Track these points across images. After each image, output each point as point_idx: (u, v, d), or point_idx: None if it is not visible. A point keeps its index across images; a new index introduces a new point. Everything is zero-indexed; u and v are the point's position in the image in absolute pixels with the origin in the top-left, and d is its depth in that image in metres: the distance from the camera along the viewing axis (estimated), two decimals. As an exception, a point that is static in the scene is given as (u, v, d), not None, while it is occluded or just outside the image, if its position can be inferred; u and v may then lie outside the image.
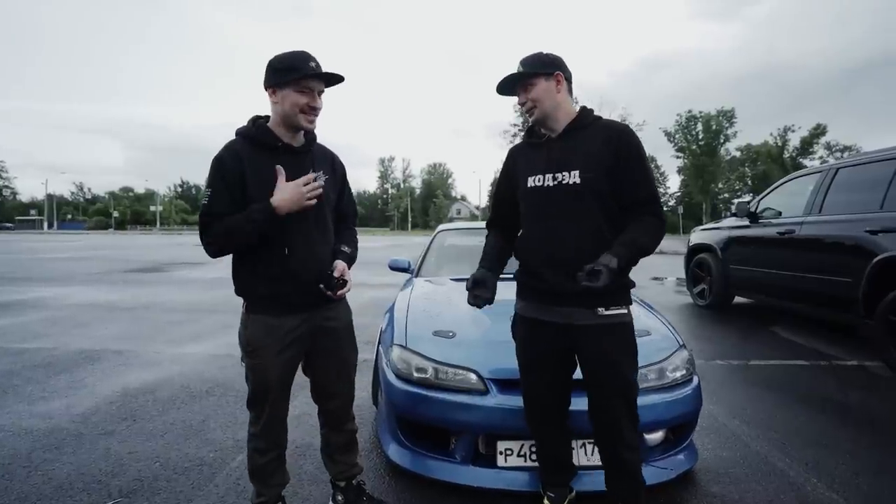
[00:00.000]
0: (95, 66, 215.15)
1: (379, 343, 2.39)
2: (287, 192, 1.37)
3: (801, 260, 4.23)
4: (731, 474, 2.00)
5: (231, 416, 2.56)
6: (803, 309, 4.44)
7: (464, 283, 2.84)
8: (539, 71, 1.49)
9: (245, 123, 1.51)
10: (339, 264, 1.53)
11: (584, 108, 1.56)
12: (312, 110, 1.42)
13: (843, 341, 4.27)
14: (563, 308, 1.48)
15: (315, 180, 1.42)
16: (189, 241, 26.69)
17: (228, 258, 1.50)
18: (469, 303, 1.57)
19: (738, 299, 5.88)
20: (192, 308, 5.74)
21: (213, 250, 1.42)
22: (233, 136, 1.49)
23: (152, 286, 7.72)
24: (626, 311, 1.48)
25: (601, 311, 1.44)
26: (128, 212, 74.12)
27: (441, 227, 4.13)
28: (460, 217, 76.85)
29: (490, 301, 1.57)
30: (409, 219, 73.70)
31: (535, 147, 1.60)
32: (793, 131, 50.82)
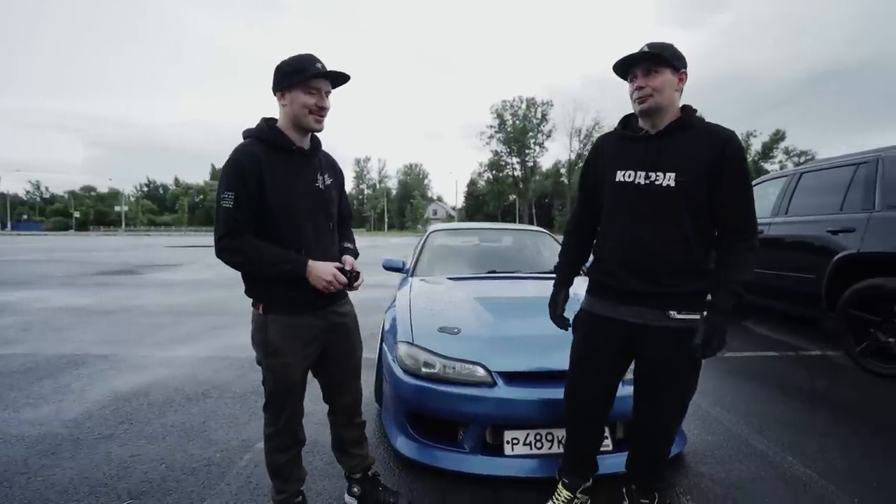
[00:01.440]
0: (52, 59, 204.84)
1: (382, 341, 2.44)
2: (322, 271, 1.43)
3: (769, 258, 4.49)
4: (717, 455, 2.16)
5: (232, 417, 2.56)
6: (772, 304, 4.71)
7: (462, 282, 2.95)
8: (675, 62, 1.38)
9: (255, 125, 1.51)
10: (348, 258, 1.60)
11: (687, 107, 1.45)
12: (321, 110, 1.46)
13: (808, 333, 4.57)
14: (633, 307, 1.44)
15: (348, 276, 1.49)
16: (158, 243, 25.82)
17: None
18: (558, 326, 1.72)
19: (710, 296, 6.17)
20: (176, 311, 5.61)
21: (235, 261, 1.40)
22: (237, 138, 1.49)
23: (128, 289, 7.48)
24: (697, 316, 1.42)
25: (673, 314, 1.40)
26: (90, 212, 70.83)
27: (433, 227, 4.20)
28: (437, 218, 76.97)
29: (567, 320, 1.71)
30: (386, 220, 73.29)
31: (630, 140, 1.49)
32: (755, 136, 53.19)
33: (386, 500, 1.71)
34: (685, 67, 1.42)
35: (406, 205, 75.84)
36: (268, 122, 1.50)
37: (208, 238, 35.78)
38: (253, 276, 1.49)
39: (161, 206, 78.37)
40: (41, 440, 2.29)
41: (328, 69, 1.44)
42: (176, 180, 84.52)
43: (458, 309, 2.41)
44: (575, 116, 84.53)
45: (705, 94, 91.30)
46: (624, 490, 1.69)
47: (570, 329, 1.70)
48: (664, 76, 1.38)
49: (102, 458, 2.12)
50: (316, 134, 1.57)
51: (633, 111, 1.50)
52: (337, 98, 1.59)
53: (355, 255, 1.69)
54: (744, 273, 1.36)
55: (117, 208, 58.57)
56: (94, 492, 1.86)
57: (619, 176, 1.48)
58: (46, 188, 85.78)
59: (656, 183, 1.40)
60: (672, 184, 1.37)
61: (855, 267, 3.55)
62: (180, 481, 1.93)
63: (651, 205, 1.41)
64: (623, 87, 1.52)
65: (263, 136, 1.45)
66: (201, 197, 75.79)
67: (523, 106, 56.77)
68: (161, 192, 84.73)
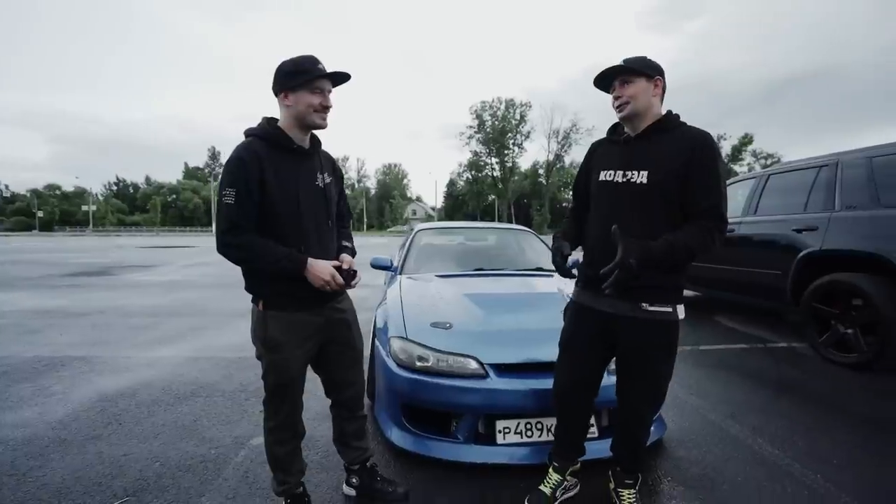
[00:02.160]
0: (12, 51, 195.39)
1: (374, 337, 2.50)
2: (321, 269, 1.47)
3: (739, 256, 4.73)
4: (693, 440, 2.30)
5: (223, 416, 2.57)
6: (741, 299, 4.95)
7: (450, 280, 3.03)
8: (642, 70, 1.50)
9: (257, 124, 1.55)
10: (346, 257, 1.66)
11: (669, 113, 1.57)
12: (325, 109, 1.52)
13: (775, 326, 4.83)
14: (609, 298, 1.53)
15: (345, 276, 1.54)
16: (130, 244, 25.01)
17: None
18: (555, 259, 1.73)
19: (686, 292, 6.43)
20: (154, 312, 5.49)
21: (236, 257, 1.44)
22: (242, 136, 1.52)
23: (102, 290, 7.26)
24: (670, 309, 1.52)
25: (645, 306, 1.51)
26: (56, 211, 67.85)
27: (419, 226, 4.26)
28: (416, 218, 76.84)
29: (572, 270, 1.77)
30: (365, 220, 72.74)
31: (613, 143, 1.65)
32: (725, 139, 55.06)
33: (384, 490, 1.77)
34: (659, 75, 1.54)
35: (385, 205, 75.48)
36: (269, 122, 1.54)
37: (182, 238, 34.92)
38: (252, 273, 1.53)
39: (131, 206, 75.55)
40: (26, 442, 2.25)
41: (328, 70, 1.50)
42: (147, 179, 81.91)
43: (448, 305, 2.48)
44: (553, 118, 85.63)
45: (680, 97, 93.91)
46: (610, 472, 1.79)
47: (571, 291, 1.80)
48: (638, 85, 1.51)
49: (94, 458, 2.10)
50: (316, 133, 1.62)
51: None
52: None
53: (353, 253, 1.74)
54: (693, 238, 1.41)
55: (84, 208, 56.19)
56: (88, 491, 1.85)
57: (602, 175, 1.62)
58: (6, 186, 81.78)
59: (632, 181, 1.53)
60: (645, 181, 1.50)
61: (817, 263, 3.78)
62: (176, 478, 1.95)
63: (627, 200, 1.54)
64: (599, 91, 1.66)
65: (265, 135, 1.49)
66: (174, 196, 73.55)
67: (502, 107, 57.22)
68: (131, 190, 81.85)
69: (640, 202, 1.51)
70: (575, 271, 1.81)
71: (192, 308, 5.68)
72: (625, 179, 1.54)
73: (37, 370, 3.34)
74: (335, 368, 1.71)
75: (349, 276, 1.55)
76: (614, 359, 1.69)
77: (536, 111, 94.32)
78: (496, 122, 57.24)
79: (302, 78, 1.45)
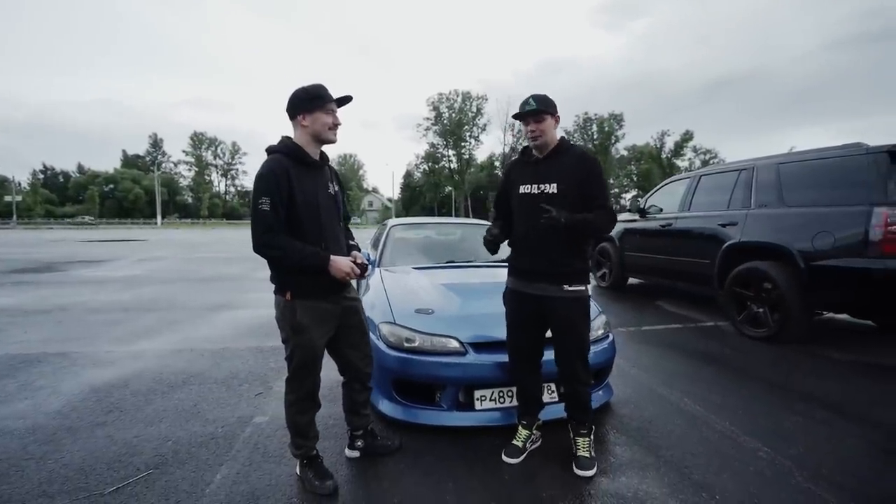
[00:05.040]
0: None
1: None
2: (342, 264, 1.79)
3: (676, 247, 5.36)
4: (633, 401, 2.79)
5: (221, 400, 2.78)
6: (678, 285, 5.61)
7: (426, 271, 3.35)
8: (551, 111, 2.02)
9: (277, 142, 1.84)
10: (358, 254, 1.97)
11: (563, 138, 2.11)
12: (336, 126, 1.85)
13: (704, 308, 5.53)
14: (539, 284, 2.05)
15: (360, 268, 1.86)
16: (68, 237, 23.35)
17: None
18: (486, 238, 2.22)
19: (631, 280, 7.11)
20: (122, 308, 5.44)
21: (272, 255, 1.72)
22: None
23: (55, 287, 6.99)
24: (583, 288, 2.04)
25: (566, 287, 2.00)
26: (-30, 202, 61.44)
27: (391, 221, 4.57)
28: (373, 210, 76.18)
29: (498, 236, 2.20)
30: (322, 211, 70.97)
31: (526, 164, 2.15)
32: (668, 135, 58.56)
33: (384, 444, 2.15)
34: (557, 112, 2.06)
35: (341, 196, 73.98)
36: (287, 140, 1.82)
37: (128, 232, 32.78)
38: (280, 269, 1.80)
39: (62, 196, 69.55)
40: (31, 431, 2.37)
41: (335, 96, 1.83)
42: (80, 167, 75.61)
43: (428, 293, 2.81)
44: (508, 111, 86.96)
45: (627, 93, 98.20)
46: (568, 425, 2.21)
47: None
48: (547, 121, 2.03)
49: (105, 442, 2.27)
50: (323, 149, 1.90)
51: (527, 144, 2.14)
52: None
53: (358, 249, 2.05)
54: (596, 219, 1.94)
55: (7, 198, 51.22)
56: (111, 466, 2.05)
57: (522, 189, 2.11)
58: None
59: (544, 191, 2.03)
60: (555, 190, 2.01)
61: (738, 253, 4.43)
62: (192, 453, 2.17)
63: (542, 207, 1.96)
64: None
65: (288, 152, 1.78)
66: (111, 186, 68.43)
67: (459, 99, 57.67)
68: (61, 180, 75.25)
69: (552, 205, 1.96)
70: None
71: (161, 303, 5.67)
72: (539, 190, 2.04)
73: (13, 367, 3.36)
74: (349, 348, 2.01)
75: (363, 268, 1.88)
76: (550, 334, 2.12)
77: (493, 104, 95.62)
78: (453, 115, 57.63)
79: (319, 102, 1.77)
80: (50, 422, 2.48)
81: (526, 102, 2.03)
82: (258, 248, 1.70)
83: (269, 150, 1.80)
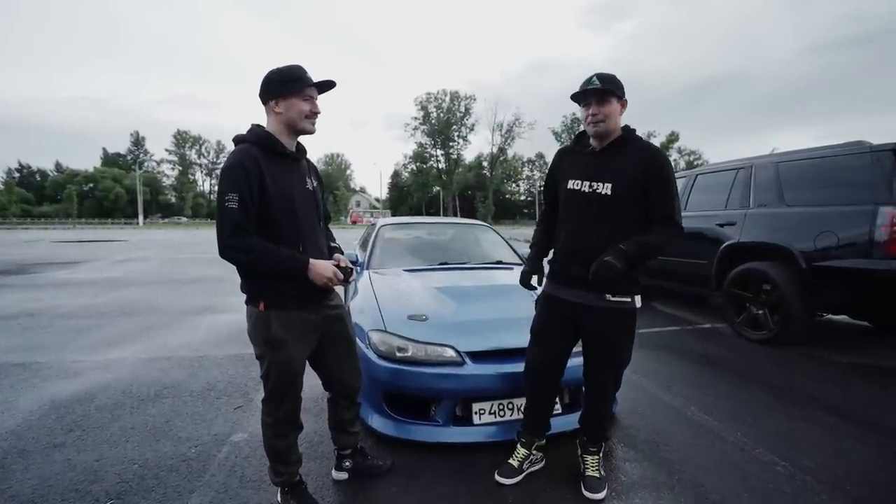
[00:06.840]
0: None
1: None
2: (323, 268, 1.56)
3: (672, 248, 5.24)
4: (639, 411, 2.64)
5: (196, 415, 2.55)
6: (674, 286, 5.51)
7: (418, 274, 3.16)
8: (619, 93, 1.69)
9: (247, 131, 1.60)
10: (341, 257, 1.76)
11: (626, 128, 1.75)
12: (314, 115, 1.61)
13: (701, 310, 5.44)
14: (579, 290, 1.78)
15: (343, 273, 1.64)
16: (43, 238, 22.59)
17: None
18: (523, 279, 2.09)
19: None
20: (94, 313, 5.13)
21: (241, 259, 1.47)
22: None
23: (25, 290, 6.61)
24: (629, 299, 1.74)
25: (609, 297, 1.73)
26: (-59, 202, 59.25)
27: (381, 221, 4.36)
28: (360, 210, 75.44)
29: (528, 274, 2.08)
30: (309, 211, 70.20)
31: (579, 154, 1.84)
32: (654, 136, 59.10)
33: (375, 465, 1.95)
34: (625, 96, 1.74)
35: (329, 196, 73.40)
36: (259, 128, 1.59)
37: (106, 232, 31.85)
38: (251, 275, 1.56)
39: (39, 196, 67.51)
40: (-20, 455, 2.13)
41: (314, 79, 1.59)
42: (58, 165, 73.47)
43: (421, 298, 2.62)
44: (497, 111, 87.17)
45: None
46: (577, 441, 2.03)
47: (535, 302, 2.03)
48: (612, 104, 1.70)
49: (63, 466, 2.04)
50: (300, 140, 1.69)
51: (583, 129, 1.84)
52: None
53: (340, 251, 1.84)
54: (658, 237, 1.67)
55: (-21, 197, 49.53)
56: (66, 498, 1.81)
57: (570, 184, 1.83)
58: None
59: (597, 191, 1.74)
60: (609, 192, 1.71)
61: (736, 254, 4.33)
62: (160, 478, 1.95)
63: (593, 208, 1.75)
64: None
65: (258, 141, 1.54)
66: (91, 185, 66.64)
67: (447, 99, 57.57)
68: (38, 178, 73.01)
69: (603, 210, 1.73)
70: (535, 287, 2.10)
71: (138, 307, 5.36)
72: (591, 189, 1.75)
73: (-32, 380, 3.08)
74: (334, 361, 1.79)
75: (347, 272, 1.66)
76: (580, 342, 1.92)
77: (481, 104, 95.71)
78: (441, 115, 57.49)
79: (294, 86, 1.53)
80: (0, 443, 2.23)
81: (588, 81, 1.70)
82: (224, 251, 1.46)
83: (237, 140, 1.56)
